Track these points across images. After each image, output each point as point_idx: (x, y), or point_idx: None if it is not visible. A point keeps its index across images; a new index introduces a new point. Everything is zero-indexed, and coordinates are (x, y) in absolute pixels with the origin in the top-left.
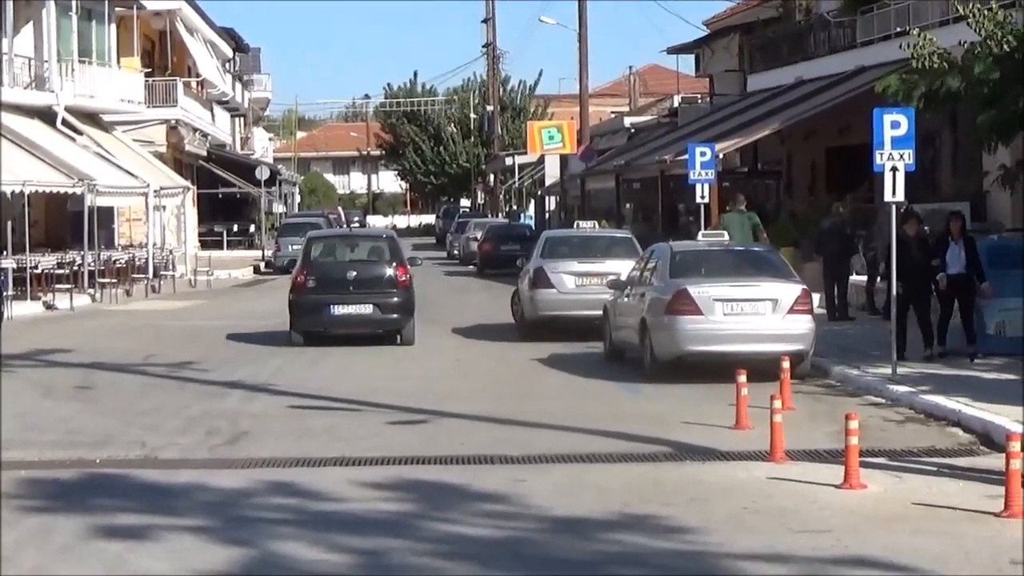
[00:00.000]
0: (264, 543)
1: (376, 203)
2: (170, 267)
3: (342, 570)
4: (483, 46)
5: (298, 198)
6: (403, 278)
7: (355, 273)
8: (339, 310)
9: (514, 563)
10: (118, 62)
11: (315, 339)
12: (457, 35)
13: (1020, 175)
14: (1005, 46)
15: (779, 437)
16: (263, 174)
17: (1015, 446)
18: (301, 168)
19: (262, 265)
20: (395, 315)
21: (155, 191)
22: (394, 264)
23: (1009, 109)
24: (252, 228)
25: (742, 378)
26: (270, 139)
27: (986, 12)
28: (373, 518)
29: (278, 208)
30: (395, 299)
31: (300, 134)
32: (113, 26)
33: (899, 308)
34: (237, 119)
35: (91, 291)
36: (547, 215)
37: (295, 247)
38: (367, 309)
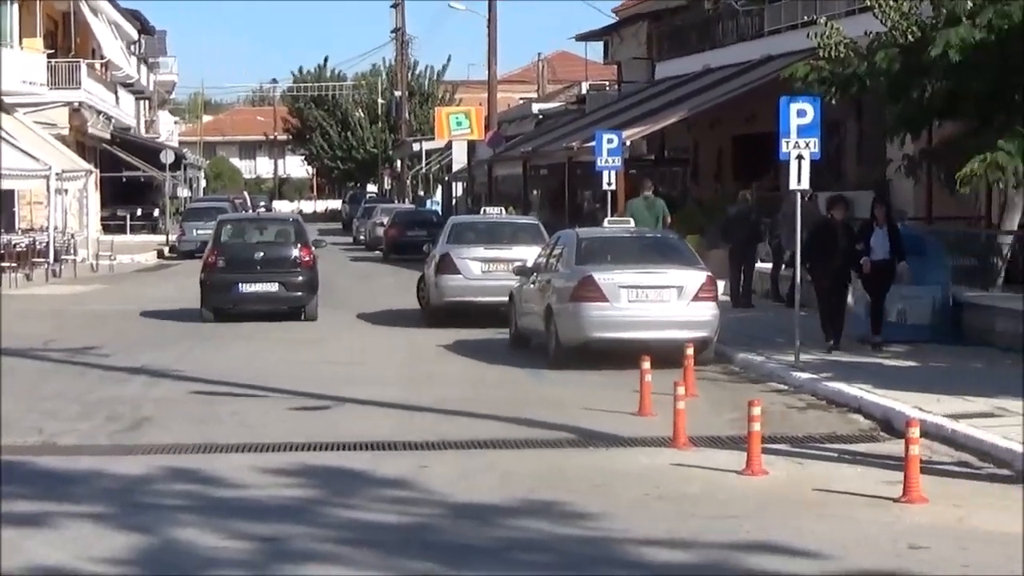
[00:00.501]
0: (164, 530)
1: (282, 188)
2: (72, 251)
3: (243, 556)
4: (392, 31)
5: (203, 182)
6: (307, 258)
7: (262, 254)
8: (247, 288)
9: (417, 549)
10: (20, 43)
11: (223, 319)
12: (366, 20)
13: (923, 164)
14: (910, 36)
15: (682, 423)
16: (168, 158)
17: (914, 432)
18: (207, 152)
19: (166, 250)
20: (299, 293)
21: (57, 174)
22: (299, 245)
23: (915, 102)
24: (156, 212)
25: (646, 365)
26: (175, 123)
27: (892, 3)
28: (275, 504)
29: (183, 192)
30: (300, 278)
31: (206, 118)
32: (15, 6)
33: (825, 293)
34: (142, 102)
35: None
36: (454, 201)
37: (199, 232)
38: (273, 287)
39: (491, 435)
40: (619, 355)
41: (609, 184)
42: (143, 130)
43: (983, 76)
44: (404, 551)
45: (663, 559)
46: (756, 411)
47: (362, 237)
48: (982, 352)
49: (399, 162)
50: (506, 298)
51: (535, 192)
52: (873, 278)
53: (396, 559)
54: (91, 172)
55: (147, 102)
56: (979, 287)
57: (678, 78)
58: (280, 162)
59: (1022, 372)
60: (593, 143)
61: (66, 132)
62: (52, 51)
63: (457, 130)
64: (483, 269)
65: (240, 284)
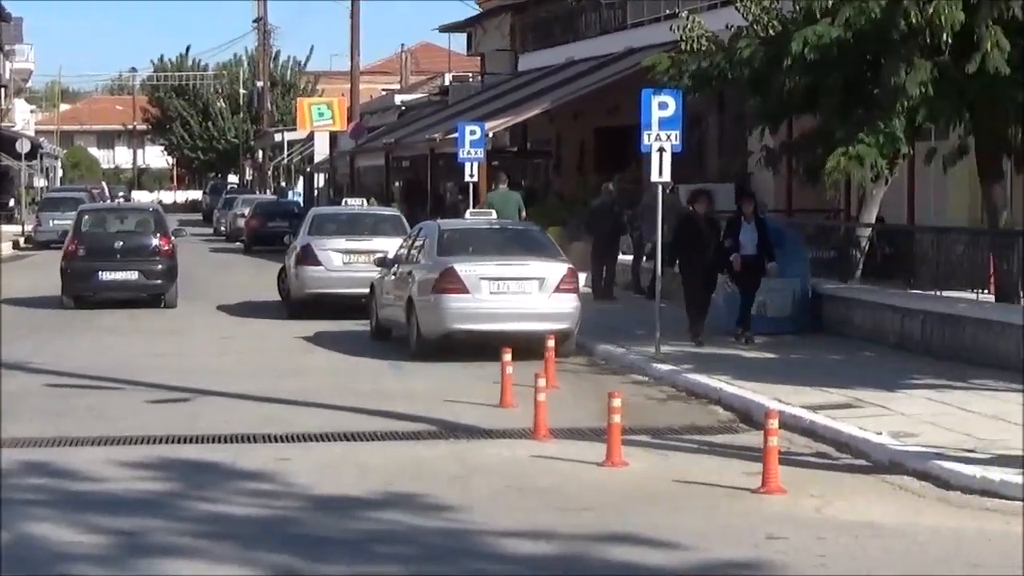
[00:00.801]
0: (18, 525)
1: (142, 178)
2: None
3: (99, 551)
4: (254, 21)
5: (60, 172)
6: (167, 247)
7: (122, 243)
8: (107, 276)
9: (277, 542)
10: None
11: (83, 307)
12: (228, 9)
13: (783, 157)
14: (771, 30)
15: (543, 415)
16: (24, 147)
17: (773, 424)
18: (64, 142)
19: (22, 240)
20: (159, 281)
21: None
22: (159, 234)
23: (775, 95)
24: (12, 202)
25: (507, 356)
26: (32, 111)
27: None
28: (132, 498)
29: (39, 182)
30: (159, 266)
31: (64, 107)
32: None
33: (693, 288)
34: None
35: None
36: (316, 192)
37: (56, 222)
38: (133, 275)
39: (352, 427)
40: (481, 347)
41: (471, 176)
42: None
43: (841, 72)
44: (264, 544)
45: (523, 551)
46: (616, 403)
47: (223, 228)
48: (840, 344)
49: (261, 153)
50: (367, 290)
51: (397, 184)
52: (743, 274)
53: (256, 552)
54: None
55: (2, 90)
56: (838, 279)
57: (541, 70)
58: (139, 152)
59: (879, 364)
60: (456, 135)
61: None
62: None
63: (319, 121)
64: (344, 261)
65: (100, 272)
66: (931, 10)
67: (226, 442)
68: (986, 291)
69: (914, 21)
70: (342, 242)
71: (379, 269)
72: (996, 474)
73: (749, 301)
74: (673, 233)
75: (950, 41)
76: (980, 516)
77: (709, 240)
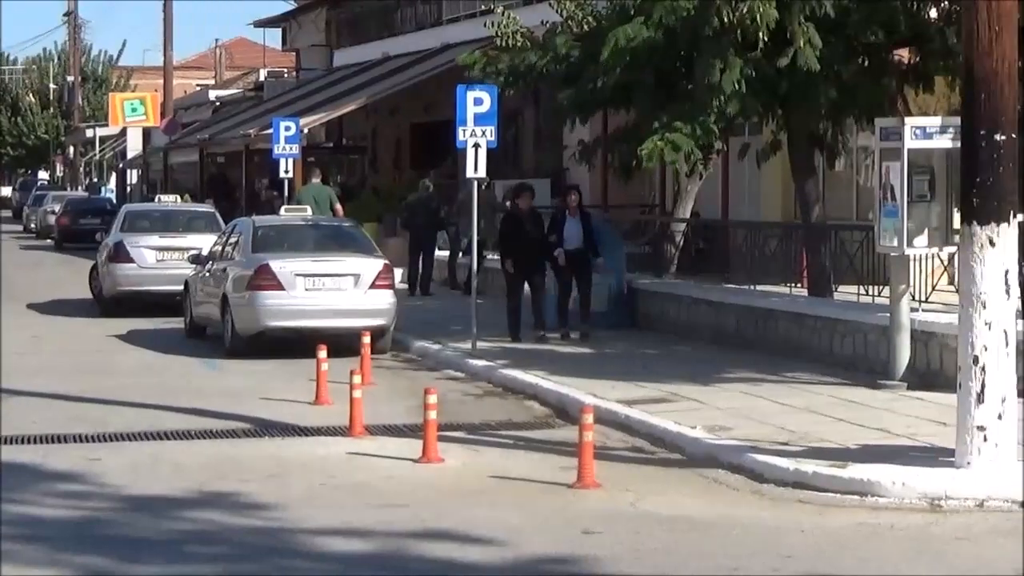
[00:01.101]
0: None
1: None
2: None
3: None
4: (64, 15)
5: None
6: None
7: None
8: None
9: (89, 544)
10: None
11: None
12: (38, 2)
13: (598, 150)
14: (585, 26)
15: (359, 412)
16: None
17: (588, 419)
18: None
19: None
20: None
21: None
22: None
23: (587, 87)
24: None
25: (322, 353)
26: None
27: None
28: None
29: None
30: None
31: None
32: None
33: (514, 284)
34: None
35: None
36: (128, 189)
37: None
38: None
39: (165, 426)
40: (296, 344)
41: (287, 172)
42: None
43: (654, 68)
44: (75, 546)
45: (339, 548)
46: (432, 399)
47: (33, 225)
48: (656, 338)
49: (72, 149)
50: (181, 287)
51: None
52: (567, 268)
53: (67, 555)
54: None
55: None
56: (653, 274)
57: (357, 66)
58: None
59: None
60: (271, 130)
61: None
62: None
63: (132, 116)
64: (157, 258)
65: None
66: (744, 8)
67: (34, 443)
68: (799, 285)
69: (727, 18)
70: (155, 239)
71: (193, 266)
72: (809, 466)
73: (587, 297)
74: (500, 229)
75: (764, 38)
76: (794, 508)
77: (532, 235)
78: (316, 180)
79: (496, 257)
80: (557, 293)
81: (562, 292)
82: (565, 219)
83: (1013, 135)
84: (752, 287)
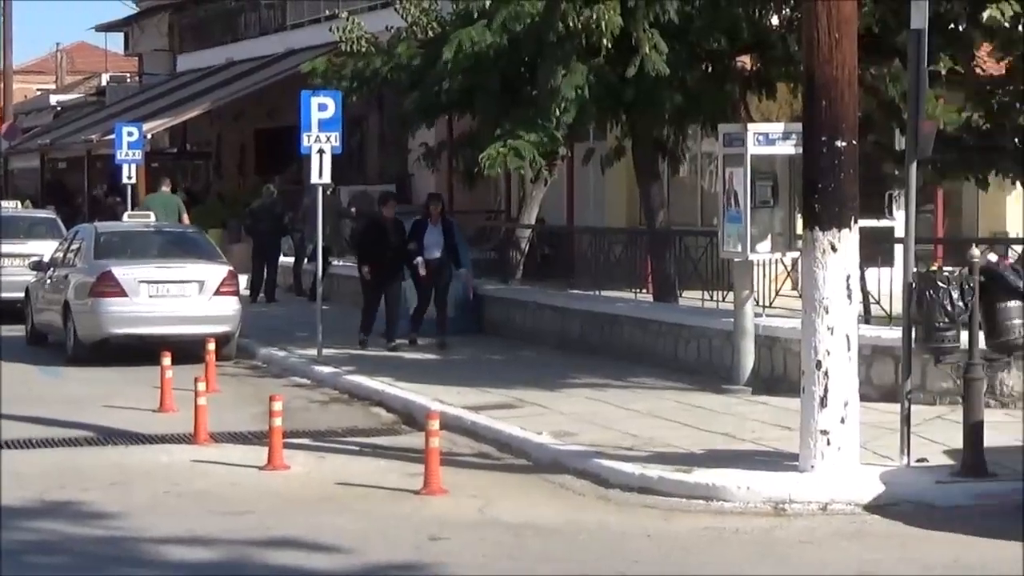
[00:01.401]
0: None
1: None
2: None
3: None
4: None
5: None
6: None
7: None
8: None
9: None
10: None
11: None
12: None
13: (443, 154)
14: (430, 32)
15: (203, 420)
16: None
17: (434, 425)
18: None
19: None
20: None
21: None
22: None
23: (431, 91)
24: None
25: (167, 360)
26: None
27: None
28: None
29: None
30: None
31: None
32: None
33: (371, 291)
34: None
35: None
36: None
37: None
38: None
39: (5, 434)
40: (140, 351)
41: (130, 178)
42: None
43: (498, 73)
44: None
45: (183, 557)
46: (277, 406)
47: None
48: (502, 345)
49: None
50: (22, 294)
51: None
52: (428, 277)
53: None
54: None
55: None
56: (499, 280)
57: (201, 71)
58: None
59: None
60: (113, 136)
61: None
62: None
63: None
64: None
65: None
66: (590, 14)
67: None
68: (644, 291)
69: (571, 24)
70: None
71: (34, 273)
72: (654, 471)
73: (443, 305)
74: (359, 234)
75: (609, 44)
76: (639, 513)
77: (394, 243)
78: (165, 188)
79: (341, 263)
80: (415, 303)
81: (421, 300)
82: (427, 227)
83: (854, 141)
84: (597, 293)
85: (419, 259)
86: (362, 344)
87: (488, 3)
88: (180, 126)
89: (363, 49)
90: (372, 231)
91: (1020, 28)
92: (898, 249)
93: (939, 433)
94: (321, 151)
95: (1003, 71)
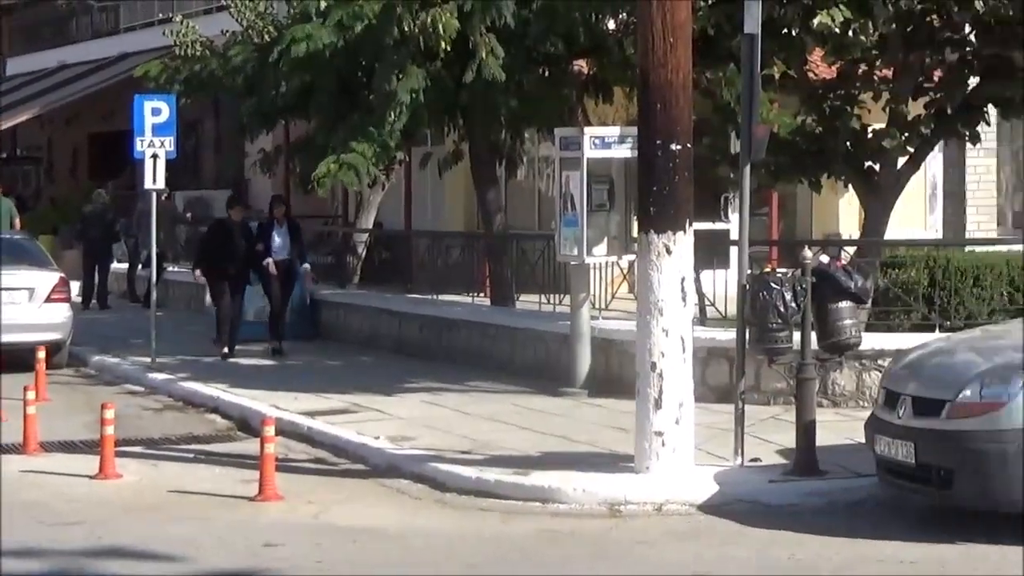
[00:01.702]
0: None
1: None
2: None
3: None
4: None
5: None
6: None
7: None
8: None
9: None
10: None
11: None
12: None
13: (279, 159)
14: (266, 36)
15: (33, 429)
16: None
17: (270, 431)
18: None
19: None
20: None
21: None
22: None
23: (269, 96)
24: None
25: None
26: None
27: (248, 3)
28: None
29: None
30: None
31: None
32: None
33: (219, 294)
34: None
35: None
36: None
37: None
38: None
39: None
40: None
41: None
42: None
43: (334, 75)
44: None
45: (13, 569)
46: (109, 414)
47: None
48: (339, 349)
49: None
50: None
51: None
52: (279, 277)
53: None
54: None
55: None
56: (336, 285)
57: (32, 74)
58: None
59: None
60: None
61: None
62: None
63: None
64: None
65: None
66: (427, 18)
67: None
68: (482, 295)
69: (408, 28)
70: None
71: None
72: (492, 474)
73: (285, 307)
74: (204, 238)
75: (446, 48)
76: (477, 517)
77: (242, 247)
78: None
79: (176, 268)
80: (268, 306)
81: (274, 304)
82: (273, 229)
83: (688, 144)
84: (435, 297)
85: (268, 260)
86: (224, 358)
87: (324, 5)
88: (9, 131)
89: (198, 53)
90: (219, 234)
91: (851, 33)
92: (733, 251)
93: (773, 433)
94: (155, 156)
95: (835, 75)
